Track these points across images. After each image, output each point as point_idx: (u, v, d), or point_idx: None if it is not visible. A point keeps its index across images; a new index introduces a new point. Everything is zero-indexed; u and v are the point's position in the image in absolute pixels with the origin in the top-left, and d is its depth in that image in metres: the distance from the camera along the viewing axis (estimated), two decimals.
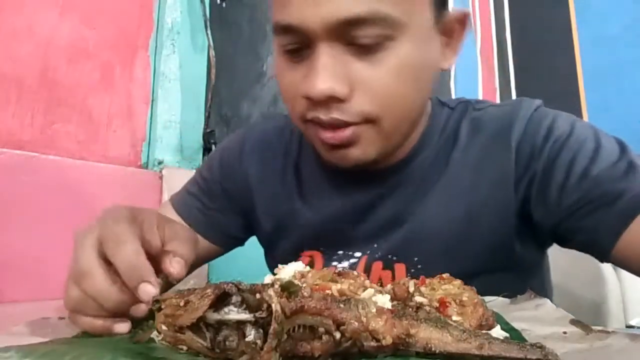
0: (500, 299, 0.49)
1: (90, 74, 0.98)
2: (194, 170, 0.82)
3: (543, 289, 0.67)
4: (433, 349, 0.28)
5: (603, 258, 0.52)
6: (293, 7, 0.49)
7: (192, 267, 0.49)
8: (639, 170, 0.50)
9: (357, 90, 0.50)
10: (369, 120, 0.52)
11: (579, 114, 2.29)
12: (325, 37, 0.48)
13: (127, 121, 1.05)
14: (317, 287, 0.37)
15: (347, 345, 0.27)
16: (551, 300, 0.65)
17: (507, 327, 0.39)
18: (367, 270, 0.61)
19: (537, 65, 2.64)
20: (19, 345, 0.30)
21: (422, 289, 0.39)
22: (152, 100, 1.11)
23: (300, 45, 0.51)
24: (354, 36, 0.48)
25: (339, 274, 0.43)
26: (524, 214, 0.57)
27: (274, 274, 0.44)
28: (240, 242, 0.77)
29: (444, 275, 0.43)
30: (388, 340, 0.27)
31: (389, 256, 0.60)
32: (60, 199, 0.87)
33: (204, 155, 1.20)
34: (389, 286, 0.40)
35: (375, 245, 0.61)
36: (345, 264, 0.62)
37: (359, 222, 0.62)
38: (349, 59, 0.49)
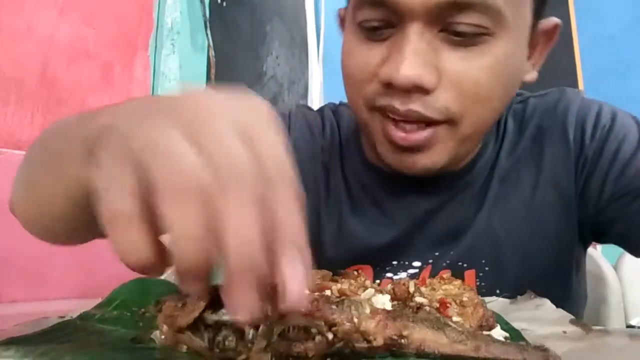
0: (501, 299, 0.49)
1: (90, 74, 0.98)
2: None
3: (584, 294, 0.65)
4: (427, 351, 0.28)
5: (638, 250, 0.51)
6: None
7: None
8: None
9: (445, 83, 0.45)
10: (448, 121, 0.47)
11: None
12: (421, 18, 0.43)
13: None
14: (317, 287, 0.37)
15: (340, 346, 0.27)
16: (584, 310, 0.65)
17: (507, 327, 0.39)
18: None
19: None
20: (19, 345, 0.30)
21: (423, 289, 0.39)
22: None
23: (385, 23, 0.46)
24: (452, 22, 0.43)
25: (339, 274, 0.43)
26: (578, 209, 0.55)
27: None
28: None
29: (445, 276, 0.43)
30: (379, 341, 0.27)
31: (459, 263, 0.56)
32: None
33: None
34: (389, 286, 0.40)
35: (437, 254, 0.56)
36: (403, 274, 0.57)
37: (417, 231, 0.57)
38: (441, 47, 0.45)
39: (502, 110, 0.52)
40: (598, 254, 0.99)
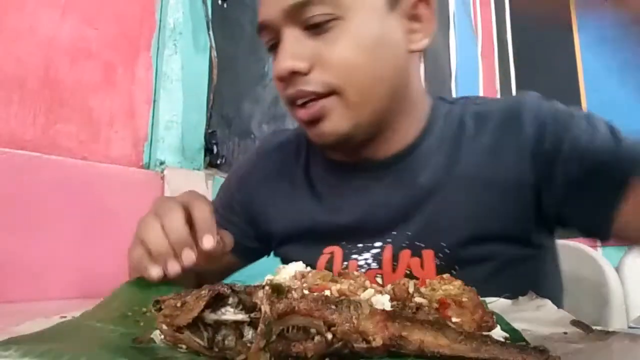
0: (502, 300, 0.49)
1: (92, 74, 0.98)
2: (196, 171, 0.83)
3: (553, 282, 0.69)
4: (426, 351, 0.28)
5: (603, 231, 0.56)
6: (262, 7, 0.59)
7: (214, 278, 0.61)
8: (630, 143, 0.56)
9: (316, 65, 0.56)
10: (333, 92, 0.57)
11: None
12: (285, 23, 0.57)
13: (129, 121, 1.05)
14: (317, 287, 0.37)
15: (339, 346, 0.28)
16: (562, 300, 0.68)
17: (507, 327, 0.39)
18: (395, 259, 0.62)
19: (537, 66, 2.64)
20: (19, 344, 0.30)
21: (422, 289, 0.39)
22: (154, 101, 1.11)
23: (275, 39, 0.59)
24: (307, 18, 0.56)
25: (339, 274, 0.43)
26: (537, 196, 0.60)
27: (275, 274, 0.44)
28: (257, 253, 0.79)
29: (445, 276, 0.43)
30: (378, 342, 0.27)
31: (416, 243, 0.62)
32: (61, 199, 0.87)
33: (205, 155, 1.20)
34: (389, 286, 0.40)
35: (394, 233, 0.63)
36: (367, 255, 0.64)
37: (374, 213, 0.64)
38: (306, 40, 0.57)
39: (389, 77, 0.60)
40: (599, 256, 0.98)
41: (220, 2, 1.28)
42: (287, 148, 0.76)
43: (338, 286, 0.37)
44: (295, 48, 0.56)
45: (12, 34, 0.85)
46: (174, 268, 0.48)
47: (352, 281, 0.39)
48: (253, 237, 0.76)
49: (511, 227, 0.60)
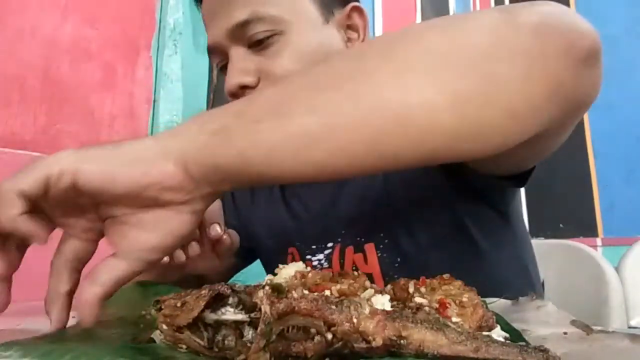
0: (502, 300, 0.49)
1: (92, 74, 0.98)
2: None
3: (522, 269, 0.67)
4: (426, 352, 0.28)
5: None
6: (208, 31, 0.62)
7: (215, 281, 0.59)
8: None
9: (264, 78, 0.59)
10: None
11: None
12: (230, 43, 0.60)
13: (129, 121, 1.05)
14: (317, 287, 0.37)
15: (338, 346, 0.27)
16: (542, 289, 0.67)
17: (507, 327, 0.39)
18: (342, 258, 0.65)
19: None
20: (19, 344, 0.30)
21: (422, 289, 0.39)
22: (154, 101, 1.11)
23: (225, 60, 0.62)
24: (249, 36, 0.58)
25: (340, 274, 0.43)
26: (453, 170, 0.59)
27: (275, 274, 0.44)
28: (253, 254, 0.81)
29: (444, 276, 0.43)
30: (378, 342, 0.27)
31: (358, 239, 0.64)
32: None
33: None
34: (388, 286, 0.40)
35: (343, 232, 0.66)
36: (320, 256, 0.68)
37: (326, 215, 0.68)
38: (252, 56, 0.60)
39: None
40: (599, 256, 0.98)
41: None
42: None
43: (338, 286, 0.37)
44: (242, 64, 0.59)
45: (12, 34, 0.86)
46: (179, 258, 0.49)
47: (352, 281, 0.39)
48: (244, 237, 0.77)
49: (439, 217, 0.62)
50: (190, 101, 1.17)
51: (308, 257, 0.69)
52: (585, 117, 2.30)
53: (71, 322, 0.40)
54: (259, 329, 0.26)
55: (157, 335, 0.33)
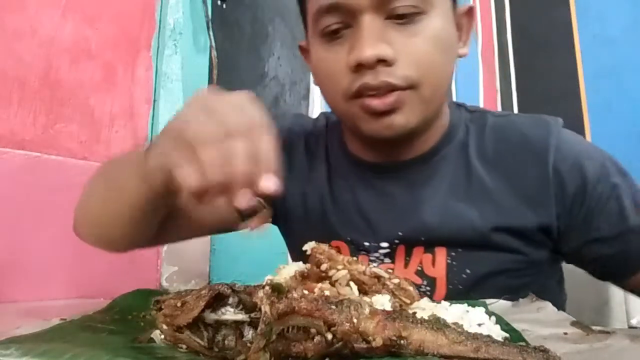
0: (502, 301, 0.49)
1: (92, 74, 0.98)
2: None
3: (559, 292, 0.71)
4: (426, 352, 0.28)
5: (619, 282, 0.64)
6: None
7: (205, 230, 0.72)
8: None
9: (401, 56, 0.55)
10: (411, 86, 0.56)
11: (580, 114, 2.29)
12: (369, 10, 0.54)
13: (129, 121, 1.05)
14: (304, 287, 0.37)
15: (339, 346, 0.27)
16: (565, 307, 0.70)
17: (507, 328, 0.39)
18: (408, 255, 0.62)
19: (538, 66, 2.64)
20: (19, 344, 0.30)
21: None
22: (154, 101, 1.11)
23: (342, 24, 0.56)
24: (393, 8, 0.54)
25: (348, 261, 0.43)
26: (547, 228, 0.61)
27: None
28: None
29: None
30: (378, 342, 0.27)
31: (430, 240, 0.62)
32: (62, 199, 0.87)
33: None
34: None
35: (400, 234, 0.63)
36: (375, 254, 0.64)
37: (383, 213, 0.64)
38: (390, 30, 0.55)
39: (450, 78, 0.62)
40: None
41: (219, 2, 1.28)
42: (310, 137, 0.74)
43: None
44: (382, 35, 0.55)
45: (12, 34, 0.85)
46: (245, 196, 0.37)
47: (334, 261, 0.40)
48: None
49: (521, 243, 0.61)
50: None
51: (363, 253, 0.65)
52: (585, 117, 2.30)
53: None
54: (259, 329, 0.26)
55: (157, 335, 0.33)
